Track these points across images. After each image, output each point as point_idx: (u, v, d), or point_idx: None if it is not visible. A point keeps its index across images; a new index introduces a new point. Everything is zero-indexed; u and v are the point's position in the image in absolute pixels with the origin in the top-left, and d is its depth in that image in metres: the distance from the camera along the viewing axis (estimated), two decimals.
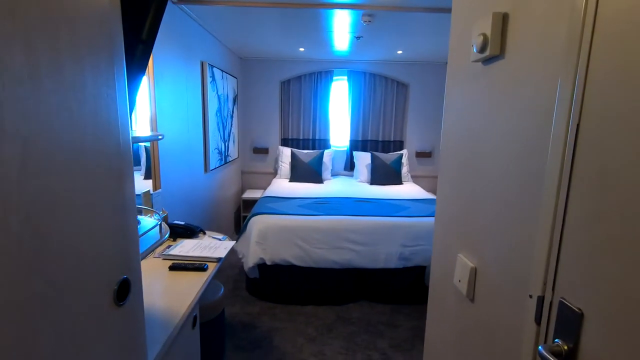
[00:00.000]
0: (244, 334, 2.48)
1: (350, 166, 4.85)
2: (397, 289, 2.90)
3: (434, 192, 4.25)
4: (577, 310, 0.61)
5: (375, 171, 4.38)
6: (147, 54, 1.04)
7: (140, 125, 2.13)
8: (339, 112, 4.83)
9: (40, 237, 0.53)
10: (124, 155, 0.74)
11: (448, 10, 1.22)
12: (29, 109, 0.50)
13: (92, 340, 0.66)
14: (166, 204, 2.35)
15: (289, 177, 4.50)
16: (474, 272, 1.00)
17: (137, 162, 2.09)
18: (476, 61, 0.98)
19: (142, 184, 2.08)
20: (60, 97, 0.56)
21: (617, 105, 0.55)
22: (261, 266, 2.82)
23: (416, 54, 4.15)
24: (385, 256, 2.82)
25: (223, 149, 3.78)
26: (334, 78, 4.70)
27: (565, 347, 0.63)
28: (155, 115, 2.22)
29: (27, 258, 0.51)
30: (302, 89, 4.69)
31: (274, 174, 4.84)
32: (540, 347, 0.64)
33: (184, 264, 1.60)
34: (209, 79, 3.22)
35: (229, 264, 3.50)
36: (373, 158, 4.42)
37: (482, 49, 0.91)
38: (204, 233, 2.05)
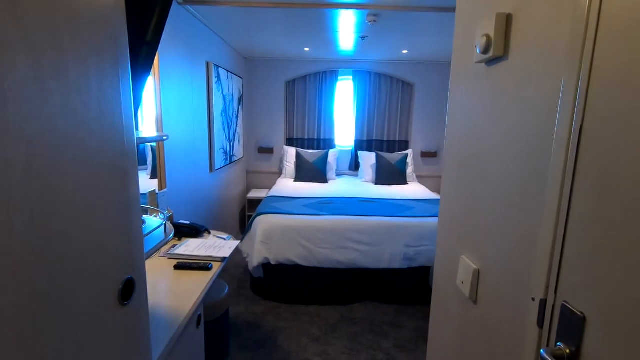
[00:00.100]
0: (248, 333, 2.49)
1: (355, 166, 4.85)
2: (401, 289, 2.89)
3: (439, 192, 4.23)
4: (579, 313, 0.61)
5: (380, 171, 4.37)
6: (152, 55, 1.05)
7: (146, 125, 2.14)
8: (344, 111, 4.83)
9: (44, 237, 0.54)
10: (129, 156, 0.75)
11: (453, 10, 1.21)
12: (33, 110, 0.51)
13: (97, 339, 0.67)
14: (172, 204, 2.37)
15: (293, 176, 4.51)
16: (476, 274, 1.00)
17: (144, 162, 2.10)
18: (480, 62, 0.98)
19: (148, 184, 2.10)
20: (65, 98, 0.57)
21: (621, 105, 0.54)
22: (266, 266, 2.83)
23: (421, 54, 4.13)
24: (389, 256, 2.81)
25: (228, 149, 3.80)
26: (339, 78, 4.69)
27: (568, 351, 0.62)
28: (161, 115, 2.23)
29: (31, 258, 0.52)
30: (307, 88, 4.69)
31: (279, 173, 4.85)
32: (542, 351, 0.64)
33: (189, 263, 1.61)
34: (214, 79, 3.23)
35: (234, 264, 3.52)
36: (378, 158, 4.41)
37: (485, 50, 0.90)
38: (209, 232, 2.06)
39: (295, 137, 4.82)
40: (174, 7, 2.34)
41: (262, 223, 2.88)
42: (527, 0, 0.80)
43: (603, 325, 0.57)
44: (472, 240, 1.05)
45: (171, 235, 1.20)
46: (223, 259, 1.66)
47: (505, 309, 0.86)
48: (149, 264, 1.54)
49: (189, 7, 2.57)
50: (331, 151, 4.61)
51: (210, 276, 1.51)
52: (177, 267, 1.59)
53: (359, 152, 4.69)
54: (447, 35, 3.19)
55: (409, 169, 4.52)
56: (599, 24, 0.59)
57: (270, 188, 4.47)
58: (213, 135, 3.26)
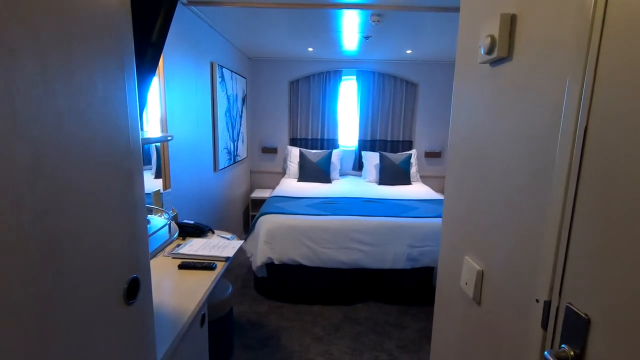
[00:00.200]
0: (251, 332, 2.50)
1: (358, 166, 4.84)
2: (404, 290, 2.89)
3: (443, 192, 4.21)
4: (584, 316, 0.60)
5: (383, 171, 4.37)
6: (157, 56, 1.06)
7: (151, 125, 2.16)
8: (348, 111, 4.83)
9: (51, 237, 0.55)
10: (134, 156, 0.76)
11: (457, 10, 1.21)
12: (40, 111, 0.52)
13: (102, 338, 0.68)
14: (176, 203, 2.38)
15: (297, 176, 4.51)
16: (480, 275, 1.00)
17: (148, 162, 2.12)
18: (484, 63, 0.98)
19: (152, 183, 2.11)
20: (71, 99, 0.58)
21: (627, 105, 0.54)
22: (269, 265, 2.84)
23: (425, 54, 4.12)
24: (393, 257, 2.81)
25: (232, 149, 3.81)
26: (343, 78, 4.69)
27: (572, 353, 0.62)
28: (166, 116, 2.25)
29: (38, 258, 0.52)
30: (310, 88, 4.69)
31: (283, 173, 4.86)
32: (546, 353, 0.64)
33: (193, 262, 1.62)
34: (218, 80, 3.25)
35: (238, 263, 3.53)
36: (382, 158, 4.41)
37: (489, 51, 0.90)
38: (213, 232, 2.07)
39: (298, 137, 4.82)
40: (179, 8, 2.35)
41: (266, 223, 2.89)
42: (532, 1, 0.80)
43: (608, 327, 0.56)
44: (475, 241, 1.05)
45: (175, 235, 1.21)
46: (227, 259, 1.67)
47: (509, 310, 0.86)
48: (154, 264, 1.55)
49: (193, 7, 2.58)
50: (335, 151, 4.61)
51: (214, 276, 1.52)
52: (181, 266, 1.60)
53: (363, 152, 4.69)
54: (451, 35, 3.18)
55: (413, 169, 4.51)
56: (604, 24, 0.59)
57: (273, 188, 4.48)
58: (217, 135, 3.27)
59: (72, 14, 0.58)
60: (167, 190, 2.25)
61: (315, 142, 4.81)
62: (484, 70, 1.00)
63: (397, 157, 4.44)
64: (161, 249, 1.09)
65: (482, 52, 0.94)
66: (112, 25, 0.68)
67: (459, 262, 1.13)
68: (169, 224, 1.25)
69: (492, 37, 0.89)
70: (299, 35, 3.38)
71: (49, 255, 0.54)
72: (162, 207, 2.00)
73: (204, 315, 1.43)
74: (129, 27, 0.74)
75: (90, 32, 0.62)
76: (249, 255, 3.01)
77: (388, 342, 2.45)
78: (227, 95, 3.57)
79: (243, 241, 2.03)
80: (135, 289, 0.77)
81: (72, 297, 0.59)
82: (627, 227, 0.53)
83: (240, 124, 4.12)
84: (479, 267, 1.00)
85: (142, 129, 0.82)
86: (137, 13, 0.79)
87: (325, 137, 4.78)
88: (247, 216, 4.65)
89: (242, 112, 4.17)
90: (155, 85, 2.14)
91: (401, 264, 2.81)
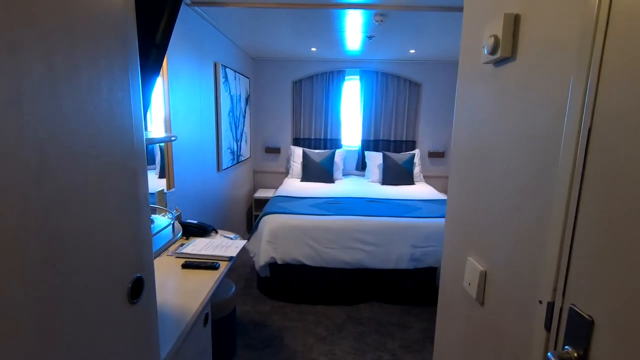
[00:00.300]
0: (254, 332, 2.51)
1: (361, 166, 4.84)
2: (408, 290, 2.88)
3: (446, 192, 4.21)
4: (587, 317, 0.60)
5: (386, 171, 4.36)
6: (161, 57, 1.07)
7: (155, 125, 2.17)
8: (351, 111, 4.83)
9: (56, 236, 0.55)
10: (138, 156, 0.76)
11: (460, 9, 1.20)
12: (46, 112, 0.52)
13: (106, 337, 0.68)
14: (179, 203, 2.39)
15: (300, 176, 4.51)
16: (483, 276, 0.99)
17: (152, 162, 2.13)
18: (487, 63, 0.97)
19: (156, 183, 2.12)
20: (76, 100, 0.58)
21: (631, 106, 0.54)
22: (272, 265, 2.84)
23: (429, 53, 4.11)
24: (396, 257, 2.81)
25: (235, 149, 3.82)
26: (346, 78, 4.69)
27: (575, 355, 0.62)
28: (170, 116, 2.26)
29: (44, 257, 0.53)
30: (314, 88, 4.69)
31: (286, 173, 4.87)
32: (549, 354, 0.63)
33: (197, 262, 1.62)
34: (221, 80, 3.26)
35: (241, 263, 3.54)
36: (385, 158, 4.40)
37: (493, 51, 0.90)
38: (216, 232, 2.08)
39: (302, 137, 4.83)
40: (183, 9, 2.36)
41: (269, 223, 2.90)
42: (536, 1, 0.79)
43: (611, 329, 0.56)
44: (478, 241, 1.04)
45: (179, 235, 1.21)
46: (230, 258, 1.68)
47: (512, 311, 0.86)
48: (157, 263, 1.55)
49: (197, 8, 2.59)
50: (338, 151, 4.61)
51: (218, 275, 1.53)
52: (185, 266, 1.60)
53: (366, 152, 4.68)
54: (454, 35, 3.17)
55: (416, 169, 4.50)
56: (608, 24, 0.59)
57: (277, 188, 4.49)
58: (220, 135, 3.28)
59: (76, 15, 0.59)
60: (170, 190, 2.26)
61: (319, 142, 4.81)
62: (488, 70, 0.99)
63: (401, 157, 4.43)
64: (165, 248, 1.10)
65: (486, 52, 0.93)
66: (117, 26, 0.69)
67: (462, 262, 1.13)
68: (173, 224, 1.25)
69: (496, 37, 0.88)
70: (302, 35, 3.39)
71: (54, 255, 0.55)
72: (165, 207, 2.01)
73: (207, 315, 1.43)
74: (133, 28, 0.74)
75: (94, 33, 0.63)
76: (252, 255, 3.02)
77: (391, 342, 2.45)
78: (231, 96, 3.58)
79: (246, 241, 2.04)
80: (139, 288, 0.77)
81: (76, 296, 0.60)
82: (631, 228, 0.53)
83: (244, 124, 4.13)
84: (482, 268, 1.00)
85: (146, 129, 0.82)
86: (142, 14, 0.79)
87: (329, 137, 4.78)
88: (250, 216, 4.66)
89: (245, 112, 4.18)
90: (159, 86, 2.15)
91: (404, 264, 2.81)
